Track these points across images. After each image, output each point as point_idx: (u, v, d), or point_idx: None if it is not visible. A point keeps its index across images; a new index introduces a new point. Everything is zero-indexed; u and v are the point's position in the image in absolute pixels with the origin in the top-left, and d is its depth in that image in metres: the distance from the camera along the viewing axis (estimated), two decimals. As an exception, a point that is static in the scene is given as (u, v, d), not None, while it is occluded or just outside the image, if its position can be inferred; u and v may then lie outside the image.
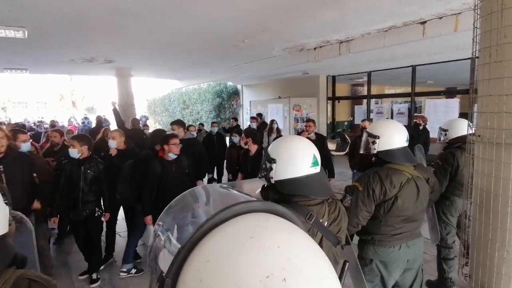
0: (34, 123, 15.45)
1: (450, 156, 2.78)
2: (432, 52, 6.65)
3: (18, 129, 3.99)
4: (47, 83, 32.01)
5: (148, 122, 20.60)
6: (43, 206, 3.05)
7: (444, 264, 2.92)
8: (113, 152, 3.64)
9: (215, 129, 6.81)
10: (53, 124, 10.25)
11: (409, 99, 9.19)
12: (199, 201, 0.62)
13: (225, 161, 5.62)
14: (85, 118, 16.23)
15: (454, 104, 8.14)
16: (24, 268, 0.91)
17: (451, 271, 2.92)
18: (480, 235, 1.58)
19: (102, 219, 3.37)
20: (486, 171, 1.57)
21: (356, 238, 2.06)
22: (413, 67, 8.62)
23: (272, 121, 7.32)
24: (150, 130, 6.64)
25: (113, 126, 7.70)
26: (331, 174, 4.56)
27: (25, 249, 1.30)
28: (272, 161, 1.31)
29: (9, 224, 0.94)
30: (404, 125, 2.04)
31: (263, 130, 7.25)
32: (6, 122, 12.45)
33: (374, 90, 10.78)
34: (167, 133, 3.67)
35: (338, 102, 11.56)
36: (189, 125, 6.22)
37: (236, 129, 6.66)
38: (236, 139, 4.86)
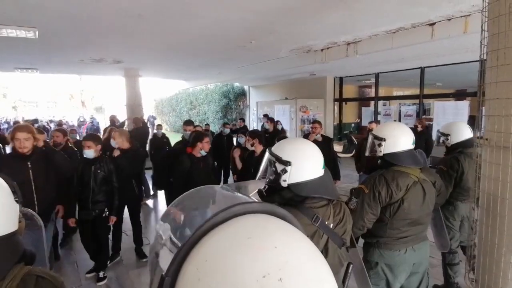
0: (47, 122, 15.73)
1: (455, 162, 2.73)
2: (441, 54, 6.59)
3: (37, 128, 4.05)
4: (57, 82, 32.54)
5: (155, 122, 20.80)
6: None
7: (449, 270, 2.88)
8: (115, 152, 3.66)
9: (227, 130, 6.77)
10: (60, 123, 10.34)
11: (417, 101, 9.10)
12: (200, 201, 0.63)
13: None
14: (92, 118, 16.43)
15: (464, 106, 8.04)
16: (33, 264, 0.93)
17: (456, 276, 2.88)
18: (487, 240, 1.56)
19: (109, 223, 3.37)
20: (493, 175, 1.55)
21: (361, 241, 2.05)
22: (422, 69, 8.55)
23: (277, 122, 7.31)
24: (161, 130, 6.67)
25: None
26: (336, 176, 4.53)
27: (35, 246, 1.32)
28: (288, 163, 1.28)
29: (19, 222, 0.96)
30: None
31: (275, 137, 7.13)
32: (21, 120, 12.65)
33: (382, 92, 10.71)
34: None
35: (345, 103, 11.51)
36: (196, 125, 6.26)
37: (241, 130, 6.68)
38: (242, 139, 4.86)
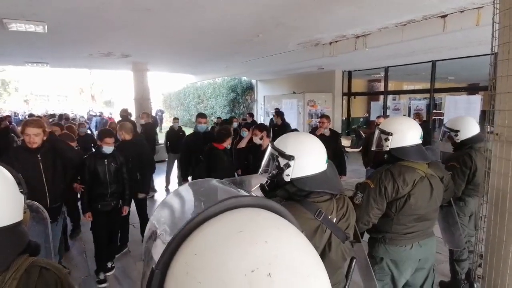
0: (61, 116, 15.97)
1: (468, 159, 2.66)
2: (453, 47, 6.43)
3: (56, 123, 4.13)
4: (67, 76, 32.94)
5: (163, 116, 20.95)
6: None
7: (457, 266, 2.85)
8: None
9: (235, 124, 6.77)
10: (66, 117, 10.47)
11: (428, 95, 8.93)
12: (195, 195, 0.63)
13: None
14: (100, 112, 16.62)
15: (476, 101, 7.86)
16: (37, 256, 0.94)
17: (464, 272, 2.85)
18: (495, 236, 1.53)
19: (123, 214, 3.46)
20: (503, 170, 1.51)
21: (366, 236, 2.03)
22: (433, 63, 8.37)
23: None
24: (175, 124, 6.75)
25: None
26: (342, 172, 4.49)
27: (41, 238, 1.34)
28: (291, 158, 1.27)
29: (24, 212, 0.98)
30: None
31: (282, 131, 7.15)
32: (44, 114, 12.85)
33: (391, 86, 10.54)
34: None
35: (354, 98, 11.38)
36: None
37: (245, 124, 6.66)
38: (245, 133, 4.89)
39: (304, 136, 1.38)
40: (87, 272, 3.49)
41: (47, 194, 2.74)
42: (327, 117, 4.69)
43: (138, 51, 7.21)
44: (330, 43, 6.47)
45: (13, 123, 10.26)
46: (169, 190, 6.54)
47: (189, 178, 4.37)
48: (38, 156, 2.72)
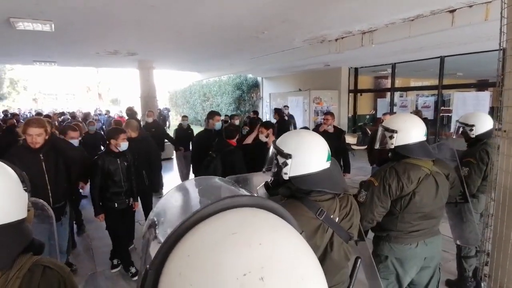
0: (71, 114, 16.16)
1: (485, 154, 2.60)
2: (462, 42, 6.32)
3: (69, 125, 4.14)
4: (75, 75, 33.30)
5: (169, 114, 21.04)
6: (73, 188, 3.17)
7: (465, 263, 2.81)
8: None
9: (236, 122, 6.81)
10: (73, 115, 10.57)
11: (436, 92, 8.81)
12: (193, 193, 0.62)
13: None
14: (107, 111, 16.78)
15: (485, 97, 7.72)
16: (41, 254, 0.93)
17: (471, 270, 2.81)
18: (502, 235, 1.51)
19: (134, 209, 3.51)
20: (510, 168, 1.48)
21: (370, 234, 2.02)
22: (441, 58, 8.24)
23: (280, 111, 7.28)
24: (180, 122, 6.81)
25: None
26: (346, 169, 4.47)
27: (46, 236, 1.35)
28: (288, 156, 1.26)
29: (28, 210, 0.98)
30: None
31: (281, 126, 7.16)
32: (53, 112, 13.00)
33: (399, 83, 10.43)
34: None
35: (360, 95, 11.28)
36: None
37: (246, 122, 6.69)
38: (245, 131, 4.97)
39: (303, 134, 1.36)
40: (94, 268, 3.53)
41: (50, 194, 2.71)
42: (332, 114, 4.66)
43: (144, 49, 7.24)
44: (336, 40, 6.42)
45: (21, 120, 10.42)
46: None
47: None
48: (41, 155, 2.68)
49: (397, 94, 10.11)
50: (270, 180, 1.38)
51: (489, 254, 1.65)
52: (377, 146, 1.98)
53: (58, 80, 34.73)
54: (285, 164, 1.26)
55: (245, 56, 8.61)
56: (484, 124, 2.70)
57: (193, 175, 5.90)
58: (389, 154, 1.91)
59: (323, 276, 0.41)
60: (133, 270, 3.36)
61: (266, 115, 13.14)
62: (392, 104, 9.88)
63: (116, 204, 3.24)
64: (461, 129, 2.82)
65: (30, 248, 0.90)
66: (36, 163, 2.65)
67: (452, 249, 3.16)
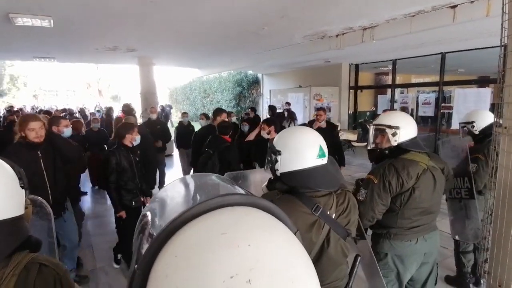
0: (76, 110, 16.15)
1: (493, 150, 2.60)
2: (463, 38, 6.27)
3: (59, 116, 4.17)
4: (75, 71, 33.24)
5: (171, 111, 21.01)
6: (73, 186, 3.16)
7: (463, 258, 2.82)
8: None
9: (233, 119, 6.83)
10: (70, 112, 10.54)
11: (437, 88, 8.77)
12: (188, 190, 0.61)
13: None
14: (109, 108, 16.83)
15: (486, 94, 7.68)
16: (38, 252, 0.93)
17: (470, 265, 2.82)
18: (501, 232, 1.50)
19: (147, 204, 3.48)
20: (510, 165, 1.48)
21: (369, 231, 2.01)
22: (443, 55, 8.18)
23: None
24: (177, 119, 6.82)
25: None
26: (341, 163, 4.55)
27: (44, 233, 1.34)
28: (278, 153, 1.28)
29: (26, 207, 0.97)
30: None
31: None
32: (54, 109, 13.00)
33: (399, 79, 10.37)
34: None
35: (361, 91, 11.23)
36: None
37: (246, 118, 6.67)
38: (246, 127, 4.96)
39: (293, 131, 1.36)
40: (94, 265, 3.55)
41: (49, 191, 2.69)
42: (324, 109, 4.78)
43: (143, 45, 7.21)
44: (337, 36, 6.37)
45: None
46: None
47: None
48: (39, 152, 2.65)
49: (397, 90, 10.06)
50: (272, 177, 1.39)
51: (488, 250, 1.65)
52: (369, 146, 1.99)
53: (58, 77, 34.70)
54: (276, 161, 1.28)
55: (245, 53, 8.57)
56: (484, 118, 2.71)
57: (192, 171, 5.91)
58: (386, 151, 1.91)
59: (316, 278, 0.40)
60: (119, 257, 3.40)
61: (266, 112, 13.11)
62: (392, 100, 9.84)
63: (133, 202, 3.20)
64: (465, 129, 2.82)
65: (27, 245, 0.89)
66: (34, 160, 2.63)
67: (450, 245, 3.17)
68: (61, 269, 0.94)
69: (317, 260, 1.26)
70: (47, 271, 0.90)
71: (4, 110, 13.41)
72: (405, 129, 1.84)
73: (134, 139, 3.23)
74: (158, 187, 5.65)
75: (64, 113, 8.72)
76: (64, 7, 4.22)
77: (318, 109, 4.83)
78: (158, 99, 10.64)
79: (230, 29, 5.72)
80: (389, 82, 10.38)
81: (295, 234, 0.43)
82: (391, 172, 1.80)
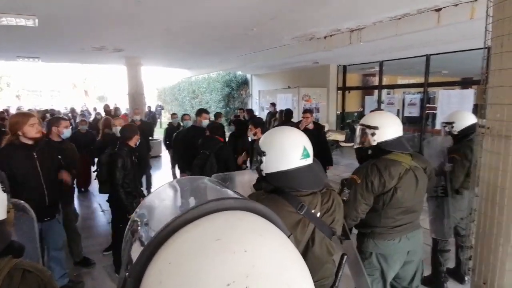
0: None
1: (469, 151, 2.64)
2: (447, 41, 6.42)
3: (59, 116, 4.12)
4: (60, 71, 32.50)
5: (162, 112, 20.80)
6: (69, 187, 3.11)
7: (440, 257, 2.87)
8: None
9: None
10: (52, 113, 10.28)
11: (422, 89, 8.95)
12: (179, 195, 0.61)
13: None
14: (95, 109, 16.59)
15: (469, 95, 7.89)
16: (22, 257, 0.91)
17: (446, 264, 2.88)
18: (485, 229, 1.55)
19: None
20: (493, 164, 1.52)
21: (354, 230, 2.04)
22: (427, 57, 8.36)
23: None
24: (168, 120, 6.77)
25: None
26: (329, 162, 4.63)
27: (27, 238, 1.31)
28: (262, 153, 1.29)
29: (8, 212, 0.94)
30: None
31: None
32: (35, 109, 12.66)
33: (386, 80, 10.54)
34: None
35: (349, 92, 11.37)
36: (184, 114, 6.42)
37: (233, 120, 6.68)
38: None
39: (276, 132, 1.36)
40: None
41: (46, 192, 2.62)
42: (311, 111, 4.83)
43: (131, 45, 7.12)
44: (325, 37, 6.44)
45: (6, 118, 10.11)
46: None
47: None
48: (34, 154, 2.58)
49: (384, 91, 10.22)
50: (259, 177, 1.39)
51: (472, 247, 1.69)
52: (355, 146, 2.01)
53: (42, 77, 33.85)
54: (261, 162, 1.29)
55: (234, 53, 8.57)
56: (463, 120, 2.77)
57: (179, 171, 5.88)
58: (369, 152, 1.93)
59: (310, 279, 0.40)
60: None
61: (255, 112, 13.11)
62: (379, 101, 9.99)
63: (134, 204, 3.12)
64: (446, 129, 2.89)
65: (10, 250, 0.87)
66: (30, 161, 2.56)
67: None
68: (45, 275, 0.91)
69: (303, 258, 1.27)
70: (31, 277, 0.87)
71: None
72: (384, 129, 1.85)
73: (138, 140, 3.28)
74: (146, 189, 5.58)
75: (44, 114, 8.50)
76: (49, 6, 4.13)
77: (304, 111, 4.85)
78: (146, 100, 10.51)
79: (219, 30, 5.71)
80: (376, 83, 10.53)
81: (288, 237, 0.43)
82: (373, 172, 1.82)
